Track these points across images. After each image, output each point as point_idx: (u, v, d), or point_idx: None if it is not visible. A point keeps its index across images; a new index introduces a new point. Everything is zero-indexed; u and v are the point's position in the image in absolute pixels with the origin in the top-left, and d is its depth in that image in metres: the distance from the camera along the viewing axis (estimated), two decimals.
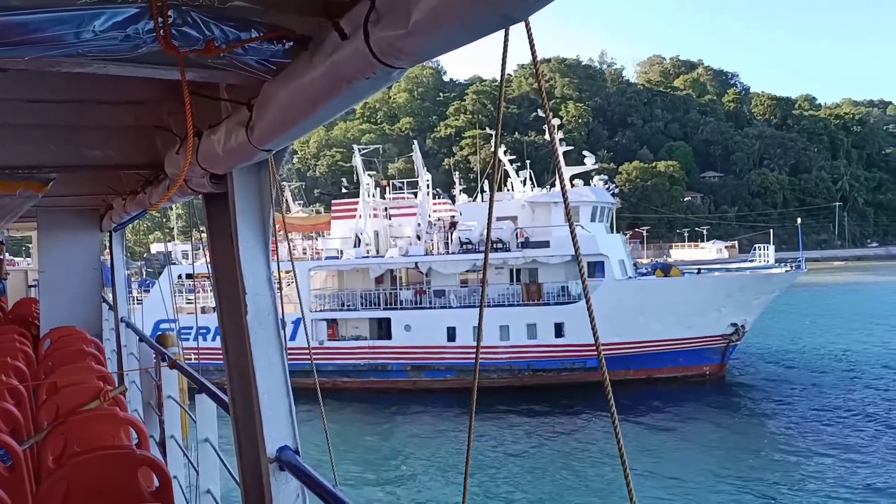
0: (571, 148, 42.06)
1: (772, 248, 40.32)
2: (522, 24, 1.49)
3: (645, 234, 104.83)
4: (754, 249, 41.84)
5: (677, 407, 30.82)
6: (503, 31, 1.54)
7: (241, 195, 3.12)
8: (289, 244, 6.71)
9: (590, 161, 37.74)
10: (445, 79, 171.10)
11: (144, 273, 59.01)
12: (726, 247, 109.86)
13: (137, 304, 37.32)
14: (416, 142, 47.19)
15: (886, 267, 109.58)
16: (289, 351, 3.27)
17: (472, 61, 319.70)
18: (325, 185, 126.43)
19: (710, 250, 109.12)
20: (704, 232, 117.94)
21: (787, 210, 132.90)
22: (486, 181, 41.39)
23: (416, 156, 41.63)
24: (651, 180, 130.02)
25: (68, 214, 9.02)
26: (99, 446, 3.95)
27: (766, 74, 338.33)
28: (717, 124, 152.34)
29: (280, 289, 3.37)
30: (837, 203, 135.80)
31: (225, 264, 3.40)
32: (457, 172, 54.86)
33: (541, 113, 42.19)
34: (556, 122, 39.27)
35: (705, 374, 34.76)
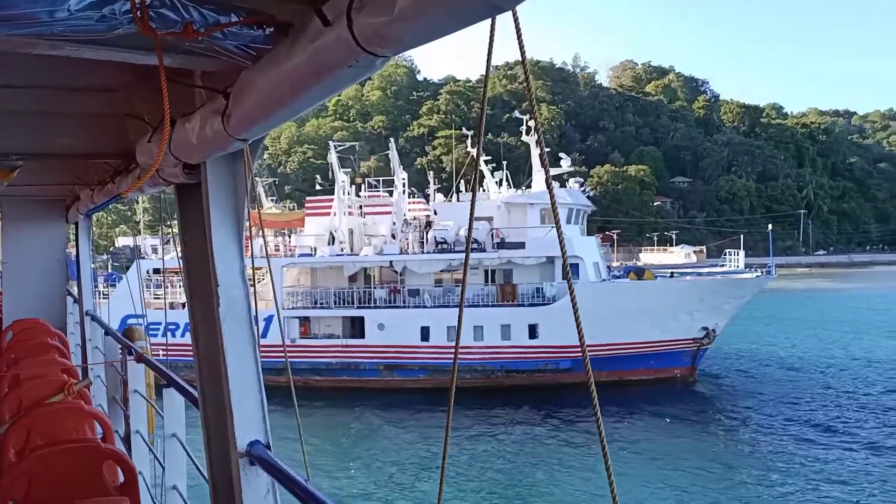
0: (547, 150, 41.97)
1: (742, 253, 40.88)
2: (506, 20, 1.48)
3: (615, 237, 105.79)
4: (725, 254, 42.38)
5: (649, 409, 31.07)
6: (489, 21, 1.50)
7: (215, 186, 3.04)
8: (264, 240, 6.51)
9: (566, 163, 37.89)
10: (419, 78, 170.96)
11: (110, 267, 57.83)
12: (694, 251, 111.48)
13: (104, 298, 36.56)
14: (392, 140, 46.92)
15: (849, 274, 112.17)
16: (260, 348, 3.20)
17: (446, 61, 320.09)
18: (297, 181, 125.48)
19: (679, 255, 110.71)
20: (673, 236, 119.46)
21: (753, 216, 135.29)
22: (461, 181, 41.29)
23: (393, 154, 41.38)
24: (622, 184, 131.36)
25: (34, 204, 8.80)
26: (63, 440, 3.86)
27: (736, 82, 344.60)
28: (688, 130, 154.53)
29: (253, 285, 3.29)
30: (802, 210, 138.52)
31: (197, 256, 3.32)
32: (431, 172, 54.70)
33: (517, 114, 42.49)
34: (532, 123, 39.28)
35: (676, 376, 35.11)
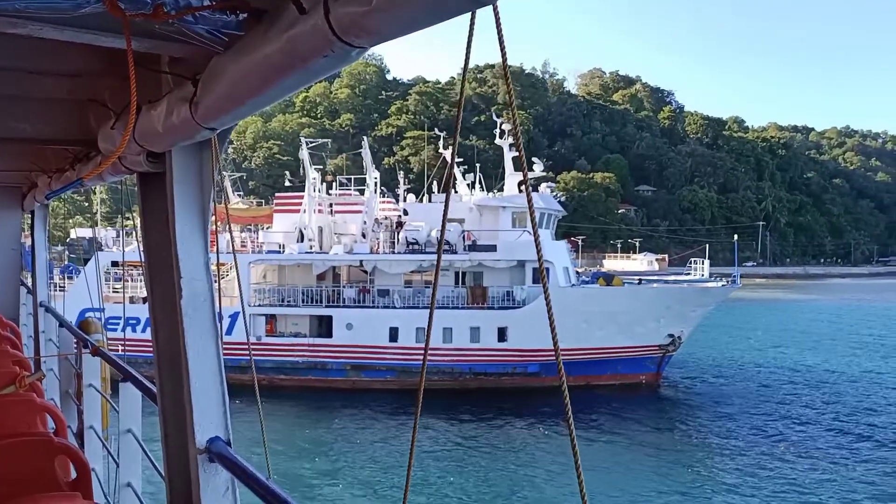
0: (515, 154, 42.29)
1: (707, 262, 41.49)
2: (480, 21, 1.47)
3: (580, 243, 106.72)
4: (690, 263, 42.96)
5: (614, 414, 31.34)
6: (469, 18, 1.48)
7: (181, 175, 2.96)
8: (231, 235, 6.36)
9: (538, 167, 38.00)
10: (389, 77, 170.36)
11: (67, 259, 56.20)
12: (657, 259, 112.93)
13: (59, 291, 35.48)
14: (365, 139, 46.55)
15: (805, 286, 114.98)
16: (224, 345, 3.12)
17: (416, 62, 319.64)
18: (261, 177, 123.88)
19: (642, 262, 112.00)
20: (637, 244, 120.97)
21: (714, 227, 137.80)
22: (433, 182, 41.14)
23: (366, 153, 41.02)
24: (588, 190, 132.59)
25: None
26: (14, 433, 3.72)
27: (699, 95, 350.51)
28: (653, 140, 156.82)
29: (217, 281, 3.20)
30: (761, 222, 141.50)
31: (159, 247, 3.25)
32: (401, 172, 54.47)
33: (494, 117, 42.54)
34: (507, 126, 39.34)
35: (641, 382, 35.44)
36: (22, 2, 1.58)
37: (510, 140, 38.44)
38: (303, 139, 41.44)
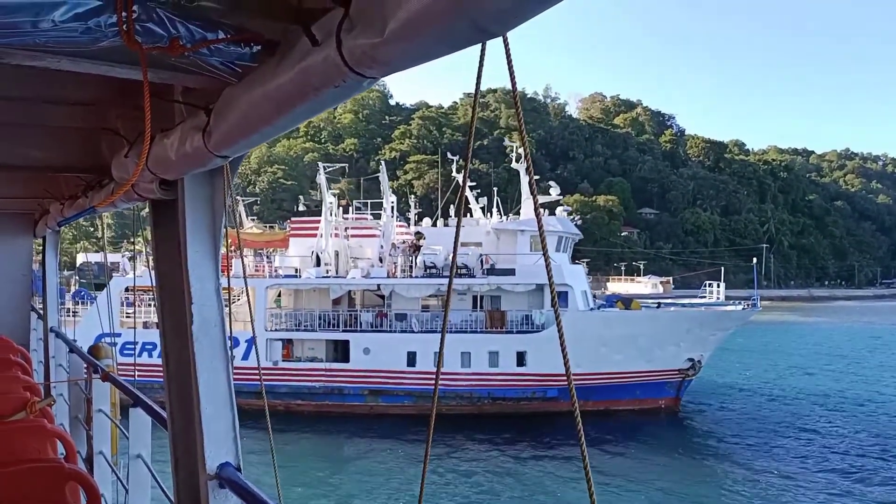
0: (536, 178, 42.10)
1: (723, 285, 41.36)
2: (491, 47, 1.52)
3: (585, 266, 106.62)
4: (704, 286, 42.84)
5: (634, 439, 31.03)
6: (479, 46, 1.53)
7: (193, 203, 3.03)
8: (242, 260, 6.41)
9: (554, 191, 38.02)
10: (392, 102, 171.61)
11: (77, 284, 55.99)
12: (661, 282, 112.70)
13: (71, 316, 35.26)
14: (382, 163, 46.70)
15: (811, 308, 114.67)
16: (241, 370, 3.12)
17: (418, 87, 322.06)
18: (265, 201, 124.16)
19: (647, 285, 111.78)
20: (641, 266, 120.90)
21: (717, 249, 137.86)
22: (449, 206, 41.18)
23: (383, 177, 41.11)
24: (590, 213, 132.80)
25: (0, 217, 8.70)
26: (24, 459, 3.77)
27: (700, 118, 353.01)
28: (655, 163, 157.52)
29: (228, 305, 3.24)
30: (765, 245, 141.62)
31: (170, 273, 3.28)
32: (412, 196, 54.56)
33: (507, 142, 42.75)
34: (522, 150, 39.42)
35: (660, 407, 35.12)
36: (42, 36, 1.62)
37: (525, 164, 38.49)
38: (320, 165, 41.53)
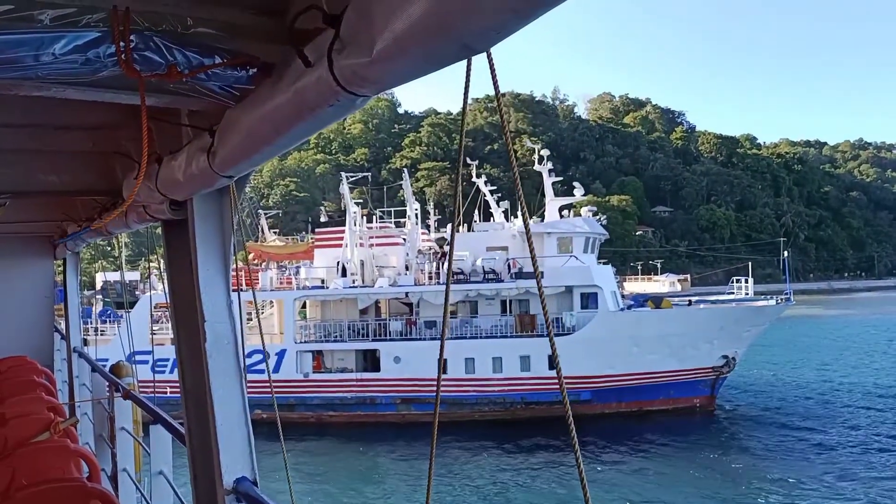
0: (556, 180, 42.06)
1: (751, 280, 40.93)
2: (484, 55, 1.56)
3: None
4: (733, 282, 42.43)
5: (669, 439, 30.66)
6: (465, 62, 1.59)
7: (202, 222, 3.10)
8: (249, 273, 6.45)
9: (579, 192, 37.80)
10: (400, 111, 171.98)
11: (102, 303, 56.19)
12: (679, 280, 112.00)
13: (99, 335, 35.30)
14: (405, 171, 46.67)
15: (832, 301, 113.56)
16: (274, 383, 3.04)
17: (427, 94, 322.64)
18: (278, 214, 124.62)
19: (664, 283, 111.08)
20: (658, 265, 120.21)
21: (734, 245, 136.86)
22: (474, 211, 41.07)
23: (406, 185, 41.07)
24: (604, 214, 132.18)
25: (20, 241, 8.89)
26: (48, 479, 3.84)
27: (710, 114, 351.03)
28: (667, 160, 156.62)
29: (255, 317, 3.20)
30: (782, 238, 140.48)
31: (183, 291, 3.36)
32: (430, 202, 54.42)
33: (529, 143, 42.52)
34: (545, 153, 39.19)
35: (696, 406, 34.73)
36: (45, 69, 1.69)
37: (549, 166, 38.33)
38: (343, 175, 41.51)
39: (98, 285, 70.54)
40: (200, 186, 2.71)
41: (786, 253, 39.33)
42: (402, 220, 41.37)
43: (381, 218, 43.87)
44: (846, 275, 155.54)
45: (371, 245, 38.54)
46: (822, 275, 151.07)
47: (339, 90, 1.49)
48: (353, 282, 36.26)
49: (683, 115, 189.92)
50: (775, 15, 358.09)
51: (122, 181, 3.96)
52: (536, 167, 38.64)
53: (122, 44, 1.68)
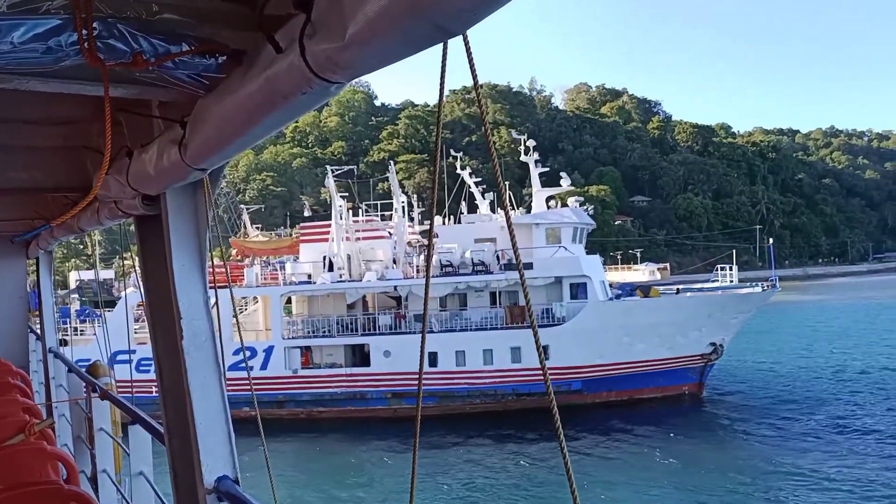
0: (543, 170, 41.96)
1: (735, 268, 41.22)
2: (460, 45, 1.56)
3: None
4: (716, 270, 42.74)
5: (658, 427, 30.83)
6: (441, 46, 1.53)
7: (176, 217, 3.03)
8: (227, 269, 6.24)
9: (565, 182, 37.74)
10: (377, 103, 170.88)
11: (79, 303, 55.22)
12: (659, 269, 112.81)
13: (79, 335, 34.65)
14: (391, 164, 46.24)
15: (808, 286, 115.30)
16: (260, 380, 2.87)
17: (404, 86, 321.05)
18: (260, 209, 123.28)
19: (644, 272, 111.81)
20: (638, 254, 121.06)
21: (711, 233, 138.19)
22: (462, 202, 40.85)
23: (392, 178, 40.70)
24: (583, 205, 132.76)
25: None
26: (24, 482, 3.74)
27: (686, 103, 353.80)
28: (644, 150, 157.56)
29: (236, 315, 3.00)
30: (758, 226, 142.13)
31: (158, 288, 3.30)
32: (414, 195, 54.11)
33: (515, 135, 42.36)
34: (532, 143, 39.04)
35: (684, 393, 34.96)
36: (3, 59, 1.63)
37: (535, 157, 38.22)
38: (328, 168, 40.97)
39: (72, 284, 69.21)
40: (173, 180, 2.61)
41: (770, 240, 39.53)
42: (387, 213, 40.98)
43: (366, 211, 43.45)
44: (820, 261, 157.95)
45: (357, 239, 38.18)
46: (797, 261, 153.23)
47: (312, 77, 1.44)
48: (341, 276, 35.91)
49: (660, 104, 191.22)
50: (748, 5, 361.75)
51: (92, 176, 3.85)
52: (523, 158, 38.51)
53: (84, 31, 1.61)
